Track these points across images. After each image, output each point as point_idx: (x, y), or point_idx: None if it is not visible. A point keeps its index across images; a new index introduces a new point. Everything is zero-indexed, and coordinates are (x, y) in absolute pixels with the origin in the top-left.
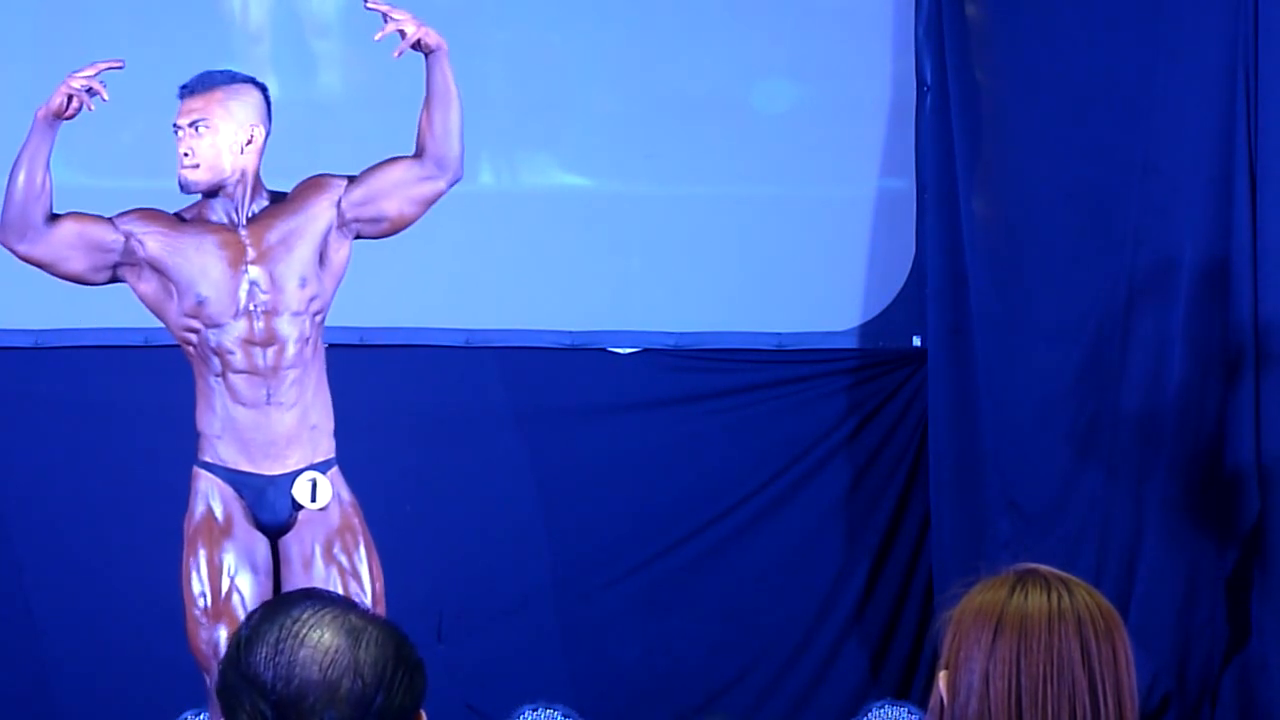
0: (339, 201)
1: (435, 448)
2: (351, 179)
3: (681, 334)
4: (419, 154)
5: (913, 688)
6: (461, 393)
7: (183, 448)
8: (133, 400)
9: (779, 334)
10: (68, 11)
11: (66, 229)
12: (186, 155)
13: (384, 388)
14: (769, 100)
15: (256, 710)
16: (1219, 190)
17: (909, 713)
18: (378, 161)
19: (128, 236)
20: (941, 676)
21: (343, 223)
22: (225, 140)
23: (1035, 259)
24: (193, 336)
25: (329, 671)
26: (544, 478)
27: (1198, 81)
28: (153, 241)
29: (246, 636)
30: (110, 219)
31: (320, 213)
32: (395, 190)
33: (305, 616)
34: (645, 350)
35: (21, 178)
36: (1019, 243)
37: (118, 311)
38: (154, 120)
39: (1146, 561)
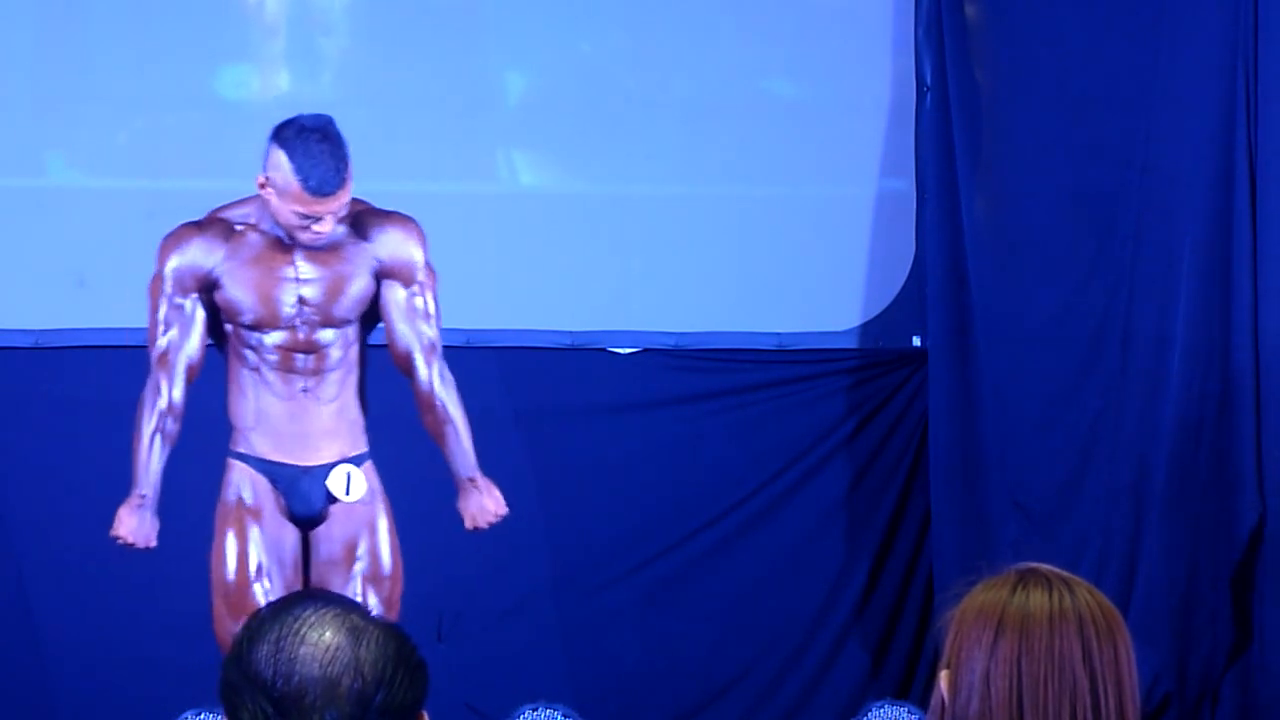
0: (379, 284)
1: (434, 448)
2: (407, 283)
3: (681, 334)
4: (414, 378)
5: (913, 687)
6: (461, 392)
7: (183, 448)
8: (132, 400)
9: (779, 334)
10: (68, 11)
11: (194, 361)
12: (319, 236)
13: (384, 388)
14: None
15: (258, 708)
16: (1219, 189)
17: (909, 712)
18: (409, 328)
19: (198, 296)
20: (943, 676)
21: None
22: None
23: (1035, 258)
24: (229, 328)
25: (329, 669)
26: (544, 478)
27: (1198, 81)
28: (215, 274)
29: (248, 635)
30: (180, 303)
31: (367, 273)
32: (393, 334)
33: (307, 615)
34: (645, 350)
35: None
36: (1019, 242)
37: (118, 312)
38: (154, 120)
39: (1147, 561)
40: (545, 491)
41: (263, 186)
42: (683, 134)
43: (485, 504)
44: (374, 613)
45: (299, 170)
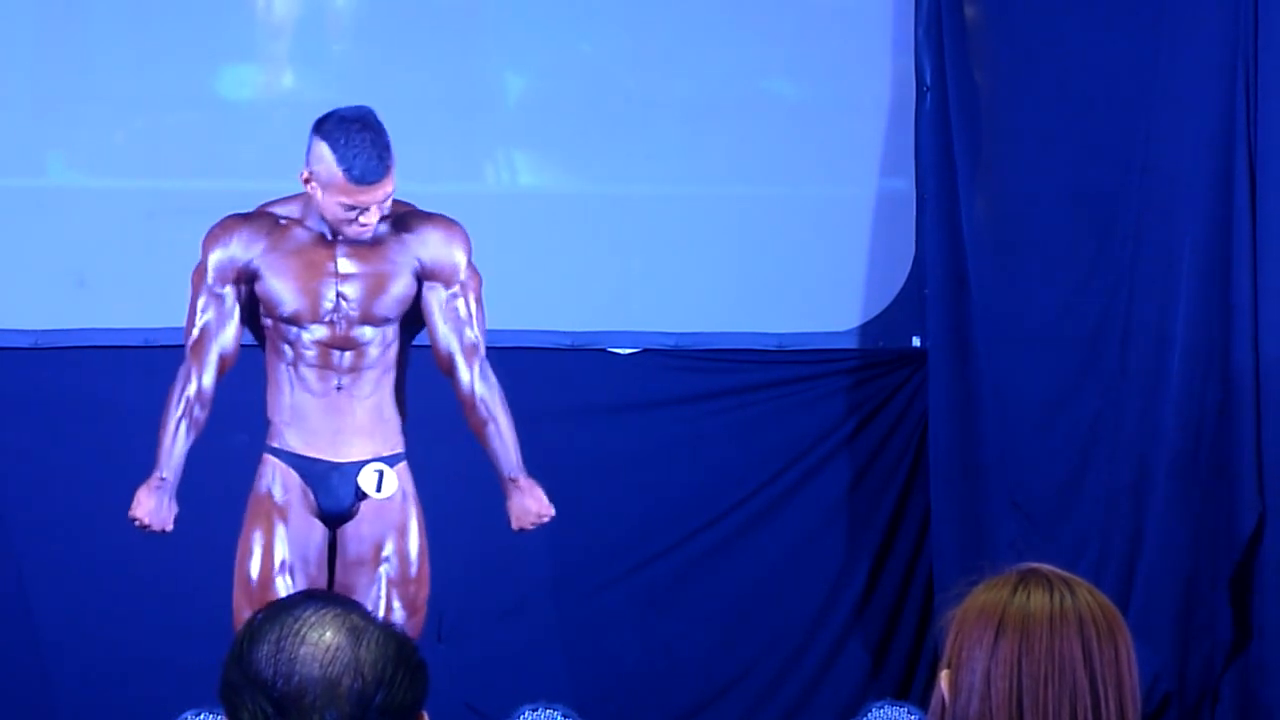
0: (420, 285)
1: (435, 447)
2: (449, 285)
3: (681, 334)
4: (455, 379)
5: (913, 687)
6: None
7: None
8: (133, 400)
9: (779, 334)
10: (69, 11)
11: (228, 351)
12: (366, 229)
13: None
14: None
15: (258, 708)
16: (1219, 189)
17: (909, 713)
18: (451, 329)
19: (238, 286)
20: (943, 676)
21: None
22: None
23: (1035, 258)
24: (268, 322)
25: (329, 669)
26: (544, 478)
27: (1198, 80)
28: (255, 265)
29: (249, 635)
30: (220, 293)
31: (408, 273)
32: (435, 335)
33: (307, 615)
34: (645, 350)
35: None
36: (1019, 242)
37: (118, 312)
38: (154, 120)
39: (1147, 561)
40: (545, 491)
41: (307, 181)
42: (682, 134)
43: (527, 504)
44: (396, 615)
45: (342, 160)
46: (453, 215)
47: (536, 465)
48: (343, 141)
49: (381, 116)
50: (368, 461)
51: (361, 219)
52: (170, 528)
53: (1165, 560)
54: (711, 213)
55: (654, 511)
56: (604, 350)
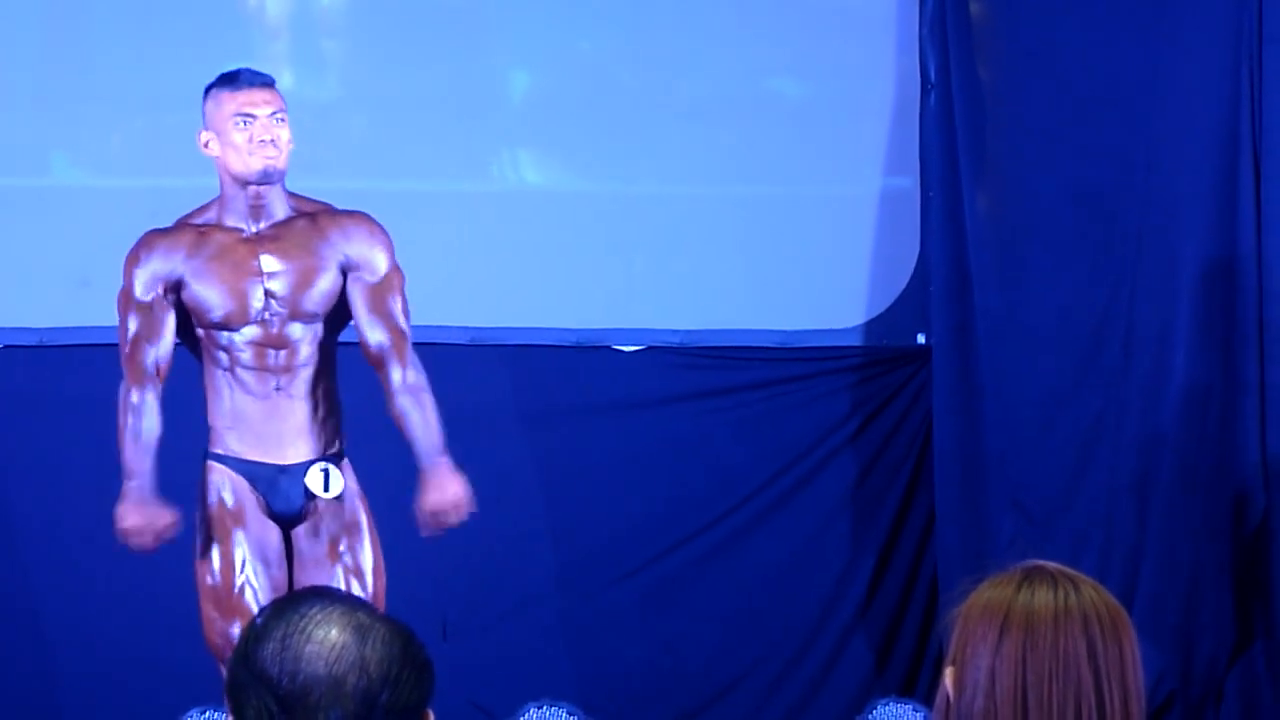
0: (344, 280)
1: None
2: (372, 286)
3: (686, 331)
4: (384, 371)
5: (917, 685)
6: (465, 391)
7: (188, 445)
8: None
9: (783, 331)
10: (71, 10)
11: (163, 358)
12: (273, 143)
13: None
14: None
15: (263, 706)
16: (1223, 188)
17: (914, 710)
18: (378, 320)
19: (165, 297)
20: (948, 673)
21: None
22: (287, 137)
23: (1039, 257)
24: (200, 332)
25: (335, 668)
26: (548, 476)
27: (1202, 80)
28: (178, 274)
29: (254, 633)
30: (147, 304)
31: (334, 267)
32: (362, 327)
33: (313, 613)
34: (650, 348)
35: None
36: (1022, 241)
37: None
38: (157, 119)
39: (1150, 559)
40: (550, 489)
41: (206, 146)
42: (687, 132)
43: (447, 488)
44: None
45: (220, 85)
46: (457, 214)
47: (541, 463)
48: (218, 81)
49: (385, 116)
50: (313, 462)
51: (261, 138)
52: (171, 536)
53: (1169, 558)
54: (716, 211)
55: (658, 509)
56: (608, 348)
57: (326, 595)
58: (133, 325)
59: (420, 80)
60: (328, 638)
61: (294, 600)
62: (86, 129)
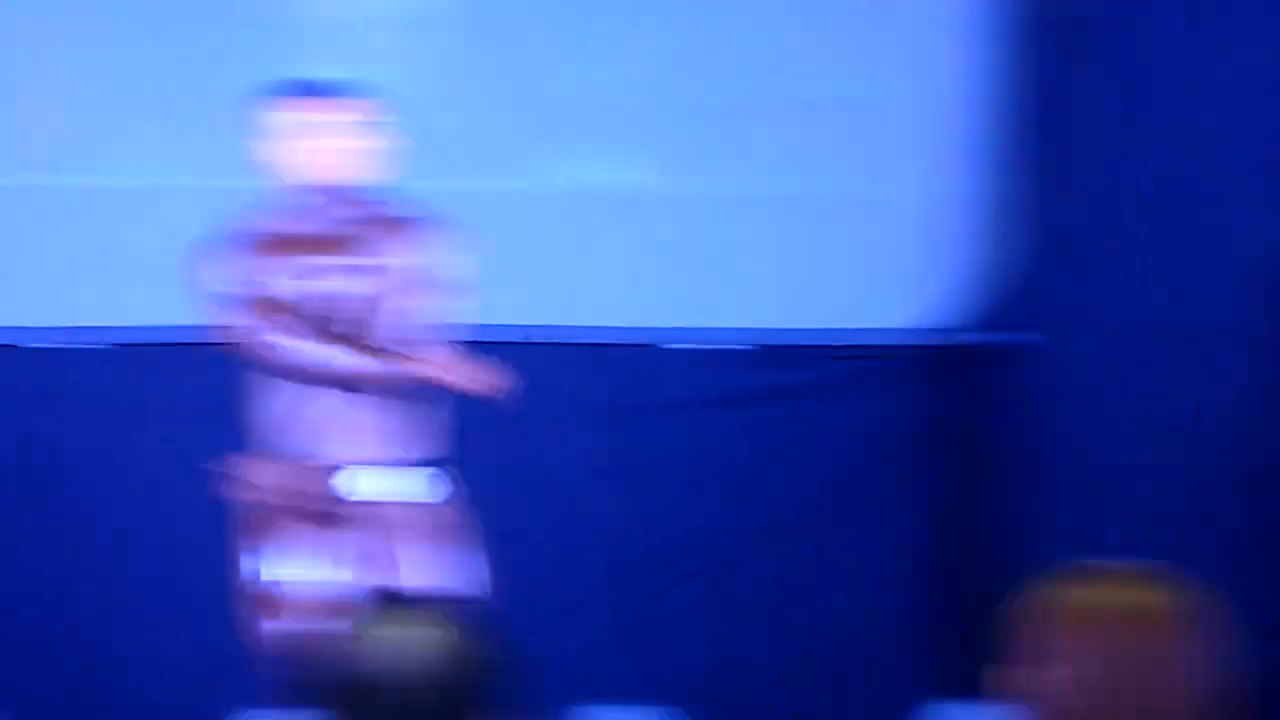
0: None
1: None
2: (431, 282)
3: (739, 330)
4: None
5: (976, 686)
6: (525, 390)
7: (219, 445)
8: (164, 398)
9: (843, 330)
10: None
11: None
12: (340, 151)
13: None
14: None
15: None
16: None
17: (973, 711)
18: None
19: (242, 289)
20: (1019, 674)
21: None
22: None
23: (1107, 258)
24: (253, 323)
25: (408, 669)
26: (605, 475)
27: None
28: (244, 275)
29: (335, 635)
30: (230, 294)
31: (399, 271)
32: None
33: (388, 616)
34: (708, 348)
35: None
36: (1088, 242)
37: (151, 309)
38: (159, 120)
39: (1230, 557)
40: (608, 489)
41: (275, 149)
42: (738, 130)
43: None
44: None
45: (291, 92)
46: (515, 213)
47: (599, 463)
48: (291, 84)
49: (429, 111)
50: (370, 462)
51: (328, 144)
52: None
53: (1251, 555)
54: (768, 209)
55: (710, 512)
56: (663, 347)
57: (398, 597)
58: (234, 305)
59: (465, 78)
60: (400, 639)
61: (367, 602)
62: (85, 129)
